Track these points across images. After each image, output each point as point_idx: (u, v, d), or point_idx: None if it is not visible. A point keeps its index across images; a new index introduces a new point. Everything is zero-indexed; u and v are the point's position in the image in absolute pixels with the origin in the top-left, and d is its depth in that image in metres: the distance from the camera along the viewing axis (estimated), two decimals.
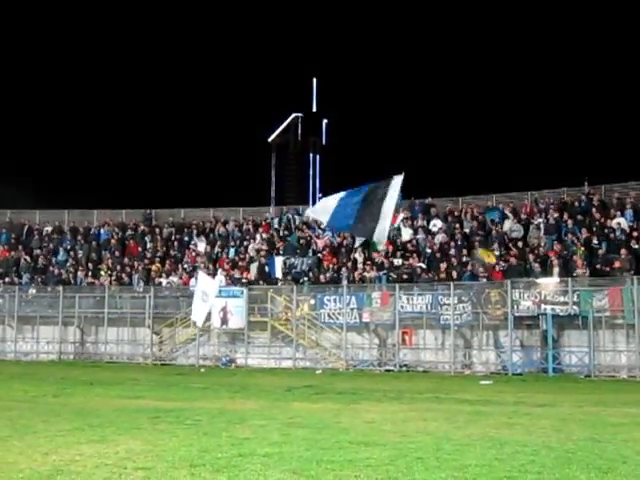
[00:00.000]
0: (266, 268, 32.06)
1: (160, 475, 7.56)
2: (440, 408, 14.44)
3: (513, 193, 33.42)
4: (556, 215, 30.20)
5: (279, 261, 32.22)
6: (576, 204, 30.84)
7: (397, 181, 21.24)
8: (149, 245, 36.43)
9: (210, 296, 29.46)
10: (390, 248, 30.91)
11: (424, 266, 29.41)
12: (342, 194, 22.37)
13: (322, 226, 31.26)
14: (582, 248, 27.70)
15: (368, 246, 30.27)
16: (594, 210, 29.74)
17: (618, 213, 29.07)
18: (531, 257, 28.09)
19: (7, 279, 35.60)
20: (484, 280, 27.75)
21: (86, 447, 9.23)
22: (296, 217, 35.92)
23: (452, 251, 29.78)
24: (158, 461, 8.29)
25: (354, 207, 21.74)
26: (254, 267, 32.32)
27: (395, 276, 29.06)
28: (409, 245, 31.14)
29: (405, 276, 28.98)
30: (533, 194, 32.79)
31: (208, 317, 29.67)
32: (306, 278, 31.03)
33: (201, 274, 30.46)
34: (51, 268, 35.79)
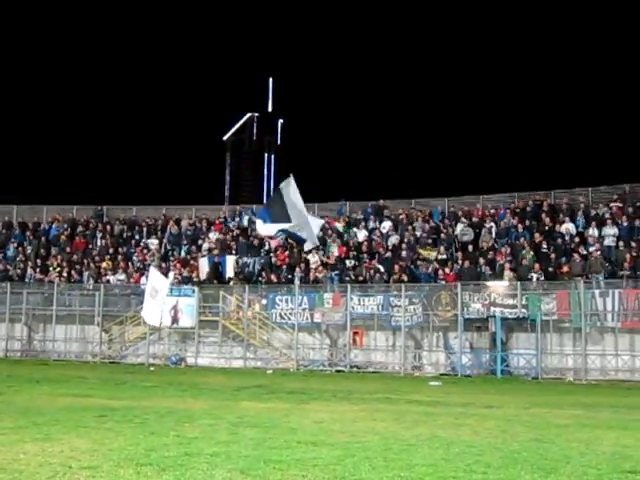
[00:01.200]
0: (219, 267, 31.89)
1: (105, 474, 7.46)
2: (389, 409, 14.51)
3: (465, 197, 33.78)
4: (507, 219, 30.63)
5: (231, 260, 32.08)
6: (527, 209, 31.27)
7: (291, 184, 21.37)
8: (99, 242, 35.98)
9: (160, 294, 29.12)
10: (344, 249, 31.06)
11: (382, 268, 29.54)
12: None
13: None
14: (531, 252, 28.10)
15: (324, 247, 30.36)
16: (543, 215, 30.22)
17: (567, 219, 29.58)
18: (482, 260, 28.43)
19: None
20: (430, 276, 28.10)
21: (30, 445, 9.07)
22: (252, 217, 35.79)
23: (404, 253, 30.00)
24: (104, 460, 8.18)
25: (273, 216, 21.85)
26: (204, 264, 32.05)
27: (353, 277, 29.12)
28: (358, 246, 31.25)
29: (361, 277, 29.12)
30: (484, 197, 33.18)
31: (161, 317, 29.38)
32: (258, 278, 30.95)
33: (153, 270, 30.09)
34: None
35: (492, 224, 30.87)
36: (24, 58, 70.34)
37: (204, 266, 32.07)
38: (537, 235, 28.98)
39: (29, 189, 51.41)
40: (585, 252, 27.65)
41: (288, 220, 21.28)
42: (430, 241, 30.64)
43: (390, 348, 28.32)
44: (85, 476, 7.37)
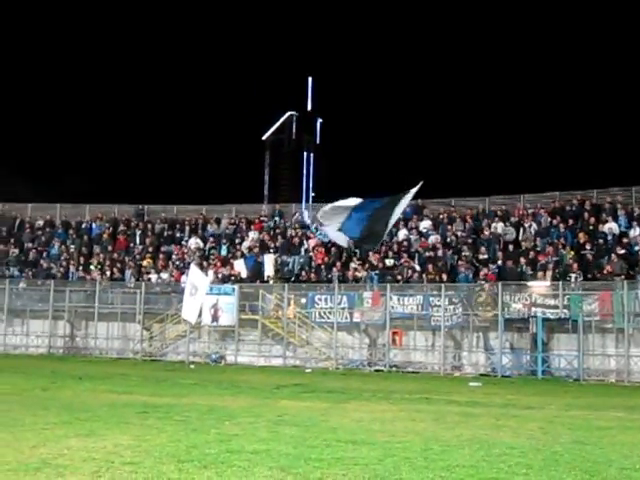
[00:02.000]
0: (260, 266, 32.03)
1: (147, 470, 7.55)
2: (429, 409, 14.45)
3: (505, 196, 33.48)
4: (548, 219, 30.34)
5: (270, 259, 32.20)
6: (568, 208, 30.93)
7: (413, 191, 21.79)
8: (140, 241, 36.36)
9: (200, 291, 29.30)
10: (383, 249, 31.02)
11: (418, 267, 29.45)
12: (356, 202, 22.57)
13: (324, 230, 31.04)
14: (572, 252, 27.79)
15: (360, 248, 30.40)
16: (586, 214, 29.85)
17: (610, 218, 29.19)
18: (523, 260, 28.17)
19: None
20: (469, 277, 27.93)
21: (74, 441, 9.22)
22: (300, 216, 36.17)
23: (442, 253, 29.87)
24: (146, 456, 8.28)
25: (366, 217, 22.02)
26: (240, 265, 32.24)
27: (390, 277, 29.05)
28: (397, 246, 31.13)
29: (399, 277, 29.03)
30: (525, 197, 32.87)
31: (200, 313, 29.55)
32: (298, 277, 31.02)
33: (193, 268, 30.24)
34: (42, 262, 35.66)
35: (533, 223, 30.58)
36: (77, 63, 71.31)
37: (240, 267, 32.20)
38: (581, 235, 28.60)
39: (71, 188, 52.11)
40: (623, 251, 27.25)
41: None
42: (470, 241, 30.43)
43: (429, 348, 28.19)
44: (128, 472, 7.47)
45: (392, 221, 21.52)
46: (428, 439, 10.14)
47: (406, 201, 21.74)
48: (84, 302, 32.68)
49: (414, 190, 22.02)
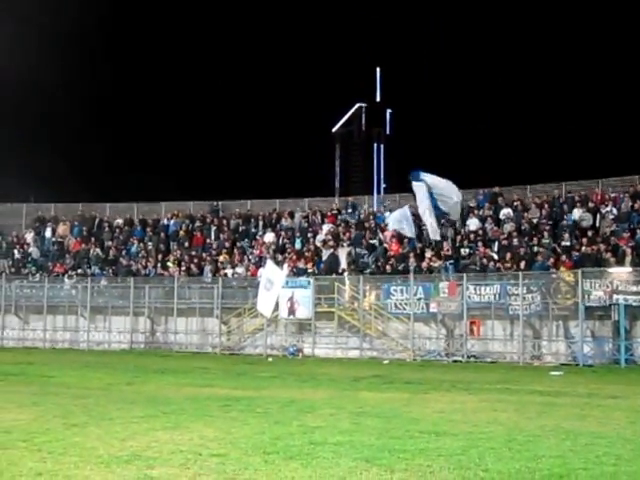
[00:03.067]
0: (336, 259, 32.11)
1: (234, 461, 7.69)
2: (510, 399, 14.30)
3: (583, 181, 32.76)
4: (629, 203, 29.57)
5: (344, 252, 32.25)
6: None
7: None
8: (216, 236, 36.87)
9: (275, 285, 29.53)
10: (458, 238, 30.79)
11: (495, 256, 29.10)
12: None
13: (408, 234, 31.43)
14: None
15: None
16: None
17: None
18: (602, 246, 27.54)
19: (79, 270, 36.47)
20: (546, 265, 27.46)
21: (161, 433, 9.44)
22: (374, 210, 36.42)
23: (518, 241, 29.43)
24: (232, 448, 8.43)
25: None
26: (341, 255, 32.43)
27: (466, 267, 28.83)
28: (472, 235, 30.85)
29: (474, 266, 28.75)
30: (603, 182, 32.10)
31: (276, 307, 29.81)
32: (373, 268, 30.99)
33: (269, 263, 30.49)
34: (121, 259, 36.49)
35: (612, 208, 29.84)
36: (159, 64, 72.66)
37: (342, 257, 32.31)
38: None
39: (148, 187, 53.22)
40: None
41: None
42: (548, 228, 29.86)
43: (508, 337, 27.82)
44: (215, 463, 7.62)
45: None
46: (511, 429, 10.05)
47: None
48: (163, 298, 33.31)
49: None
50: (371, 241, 32.80)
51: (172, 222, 38.66)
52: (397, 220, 30.72)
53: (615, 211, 29.68)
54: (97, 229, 39.89)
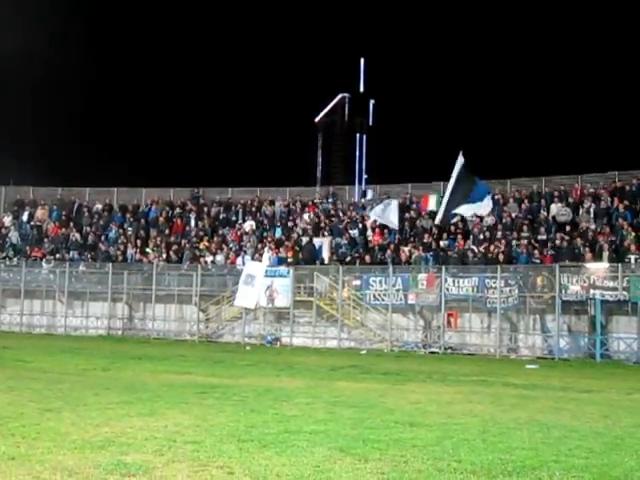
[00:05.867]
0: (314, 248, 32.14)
1: (209, 449, 7.69)
2: (486, 391, 14.40)
3: (562, 176, 32.92)
4: (608, 199, 29.79)
5: (325, 241, 32.28)
6: (627, 188, 30.28)
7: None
8: (196, 224, 36.74)
9: (257, 278, 29.75)
10: (436, 230, 30.89)
11: (476, 249, 29.22)
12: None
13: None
14: (633, 233, 27.27)
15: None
16: None
17: None
18: (580, 241, 27.74)
19: (57, 255, 36.23)
20: (526, 258, 27.65)
21: (136, 420, 9.42)
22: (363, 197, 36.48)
23: (499, 234, 29.57)
24: (207, 435, 8.43)
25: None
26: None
27: (445, 258, 28.94)
28: (453, 227, 30.93)
29: (455, 256, 28.86)
30: (583, 177, 32.29)
31: (257, 299, 29.99)
32: (352, 259, 31.03)
33: (248, 262, 30.85)
34: (100, 245, 36.28)
35: (592, 204, 30.05)
36: (147, 57, 72.09)
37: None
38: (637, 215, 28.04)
39: (128, 172, 52.89)
40: None
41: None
42: (527, 222, 30.03)
43: (485, 330, 28.00)
44: (190, 450, 7.61)
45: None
46: (486, 421, 10.11)
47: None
48: (142, 284, 33.20)
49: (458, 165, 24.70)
50: (351, 231, 32.81)
51: (152, 208, 38.46)
52: (381, 212, 30.85)
53: (594, 206, 29.88)
54: (76, 214, 39.59)
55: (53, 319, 34.75)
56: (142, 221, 37.74)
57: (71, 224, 38.39)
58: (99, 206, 39.65)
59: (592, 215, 29.58)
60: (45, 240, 37.79)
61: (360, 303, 29.34)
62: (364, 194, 36.70)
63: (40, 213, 39.63)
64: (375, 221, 32.15)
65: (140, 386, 13.36)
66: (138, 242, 35.80)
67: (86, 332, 33.69)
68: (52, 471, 6.66)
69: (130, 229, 37.18)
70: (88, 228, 38.08)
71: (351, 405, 11.48)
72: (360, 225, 33.05)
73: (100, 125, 64.89)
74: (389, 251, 30.35)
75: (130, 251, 35.23)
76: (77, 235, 37.42)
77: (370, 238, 32.16)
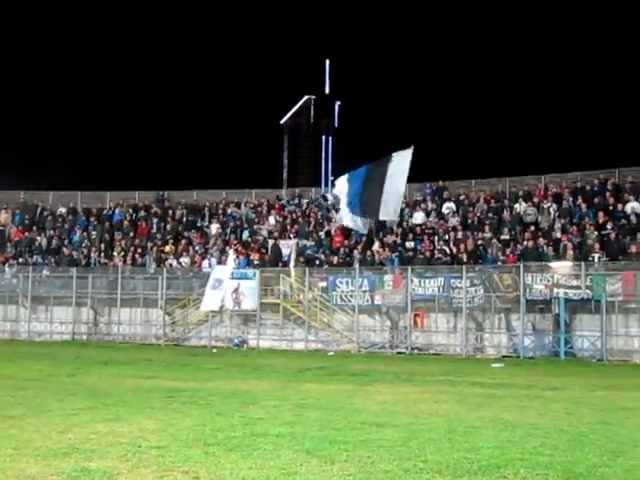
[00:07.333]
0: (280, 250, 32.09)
1: (174, 454, 7.62)
2: (452, 391, 14.47)
3: (526, 177, 33.25)
4: (570, 199, 30.14)
5: (291, 243, 32.24)
6: (587, 188, 30.65)
7: (404, 156, 22.57)
8: (161, 227, 36.50)
9: (224, 281, 29.67)
10: (400, 231, 31.01)
11: (447, 249, 29.32)
12: (346, 176, 23.43)
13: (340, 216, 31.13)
14: (596, 232, 27.62)
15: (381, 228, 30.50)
16: (608, 194, 29.61)
17: (632, 198, 28.94)
18: (543, 241, 28.03)
19: (21, 259, 35.75)
20: (491, 257, 27.87)
21: (101, 426, 9.31)
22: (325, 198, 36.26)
23: (463, 234, 29.78)
24: (172, 440, 8.36)
25: (358, 190, 22.93)
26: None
27: (410, 258, 29.03)
28: (418, 228, 31.10)
29: (422, 256, 28.99)
30: (546, 178, 32.64)
31: (222, 301, 29.89)
32: (318, 260, 31.03)
33: (216, 267, 30.76)
34: (64, 249, 35.89)
35: (554, 204, 30.37)
36: (98, 54, 71.41)
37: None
38: (601, 214, 28.40)
39: (92, 176, 52.38)
40: None
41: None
42: (491, 222, 30.29)
43: (451, 330, 28.16)
44: (155, 455, 7.54)
45: (389, 191, 22.38)
46: (452, 420, 10.16)
47: (404, 165, 22.47)
48: (107, 288, 32.91)
49: (405, 153, 22.82)
50: (319, 233, 32.82)
51: (116, 212, 38.14)
52: (348, 215, 30.80)
53: (556, 206, 30.21)
54: (39, 218, 39.14)
55: (16, 324, 34.31)
56: (106, 224, 37.40)
57: (34, 228, 37.92)
58: (63, 210, 39.22)
59: (555, 215, 29.89)
60: (8, 244, 37.29)
61: (327, 305, 29.35)
62: (324, 198, 36.43)
63: (3, 217, 39.11)
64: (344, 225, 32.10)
65: (105, 391, 13.22)
66: (102, 246, 35.49)
67: (50, 337, 33.30)
68: (14, 479, 6.55)
69: (94, 233, 36.82)
70: (51, 232, 37.65)
71: (318, 407, 11.47)
72: (327, 226, 33.08)
73: (63, 128, 64.12)
74: (356, 252, 30.38)
75: (94, 255, 34.90)
76: (40, 239, 36.96)
77: (334, 239, 32.13)
